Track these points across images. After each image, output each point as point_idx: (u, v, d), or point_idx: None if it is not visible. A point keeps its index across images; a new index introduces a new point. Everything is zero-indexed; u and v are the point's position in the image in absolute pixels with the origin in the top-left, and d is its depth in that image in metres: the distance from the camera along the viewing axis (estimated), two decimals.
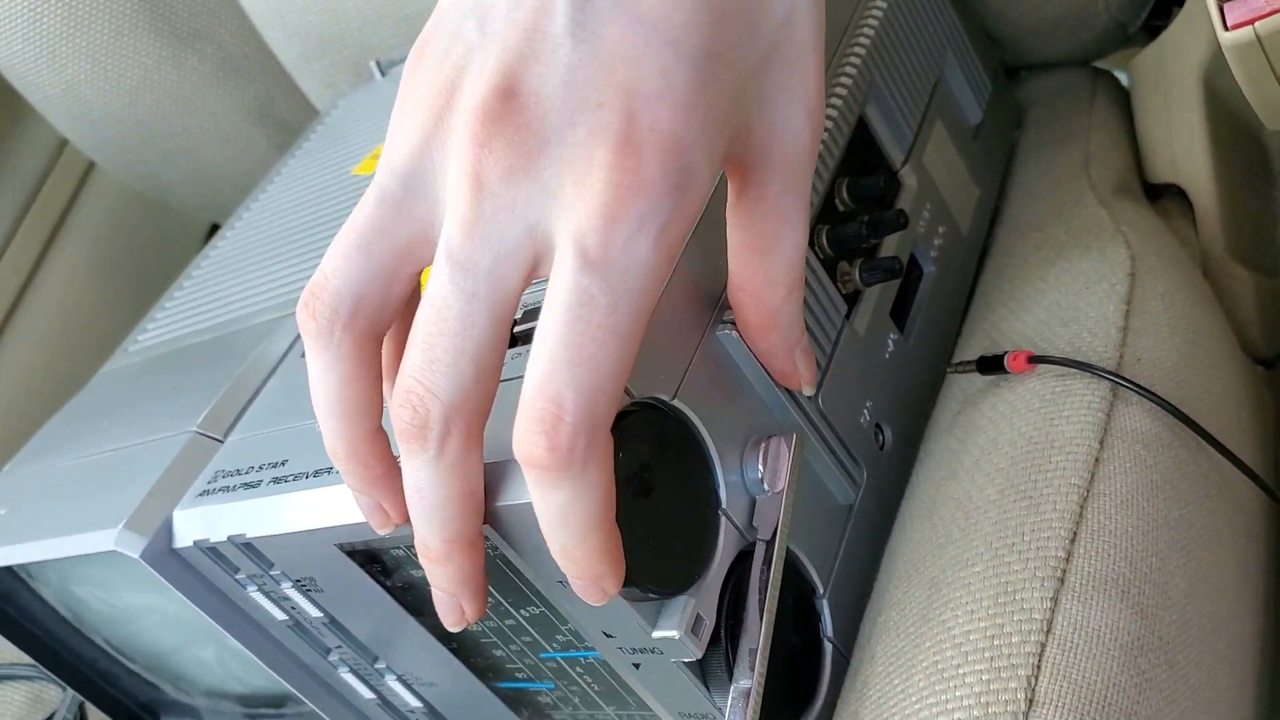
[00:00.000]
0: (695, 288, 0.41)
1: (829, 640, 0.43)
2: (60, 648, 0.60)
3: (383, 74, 0.76)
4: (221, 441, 0.49)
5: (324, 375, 0.34)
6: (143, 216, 0.95)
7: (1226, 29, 0.44)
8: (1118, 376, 0.37)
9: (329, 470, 0.41)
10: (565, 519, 0.31)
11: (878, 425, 0.48)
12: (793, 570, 0.42)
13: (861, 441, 0.46)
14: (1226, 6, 0.44)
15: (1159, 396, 0.37)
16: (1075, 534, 0.33)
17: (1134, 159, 0.56)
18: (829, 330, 0.45)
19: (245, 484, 0.44)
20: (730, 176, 0.35)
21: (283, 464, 0.44)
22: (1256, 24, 0.44)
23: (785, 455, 0.41)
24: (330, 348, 0.33)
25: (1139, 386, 0.37)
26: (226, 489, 0.45)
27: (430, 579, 0.35)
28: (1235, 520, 0.38)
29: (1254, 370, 0.52)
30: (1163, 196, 0.57)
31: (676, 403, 0.39)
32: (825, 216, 0.47)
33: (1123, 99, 0.61)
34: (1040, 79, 0.63)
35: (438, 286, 0.31)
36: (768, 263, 0.35)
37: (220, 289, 0.63)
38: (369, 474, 0.35)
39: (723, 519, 0.39)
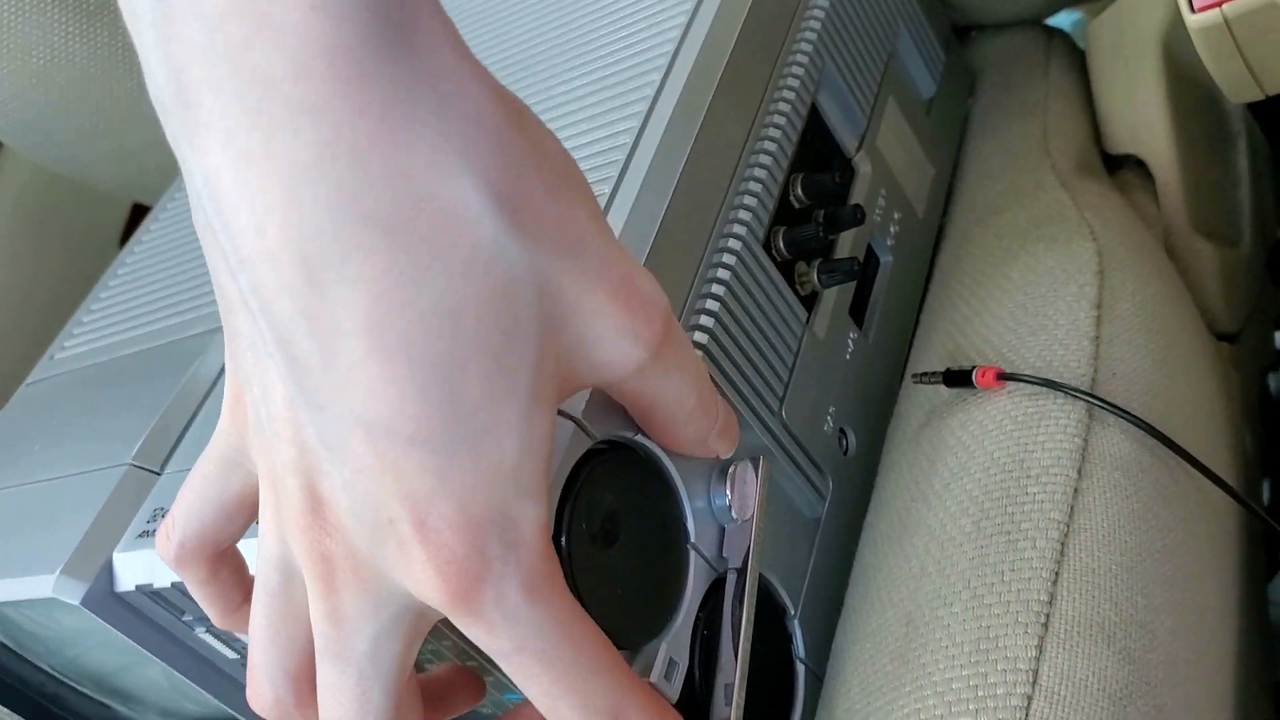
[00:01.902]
0: None
1: (801, 661, 0.42)
2: (2, 674, 0.58)
3: None
4: (159, 474, 0.46)
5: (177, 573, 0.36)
6: (60, 196, 0.91)
7: (1194, 11, 0.42)
8: (1093, 397, 0.36)
9: None
10: None
11: (841, 430, 0.46)
12: (763, 593, 0.41)
13: (826, 449, 0.45)
14: None
15: (1137, 417, 0.36)
16: (1057, 574, 0.32)
17: (1093, 129, 0.55)
18: (790, 342, 0.43)
19: None
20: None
21: None
22: (1224, 6, 0.42)
23: (753, 481, 0.39)
24: (182, 564, 0.35)
25: (1116, 407, 0.36)
26: None
27: None
28: (1215, 537, 0.38)
29: (1220, 351, 0.51)
30: (1122, 167, 0.55)
31: (640, 438, 0.37)
32: (781, 216, 0.45)
33: (1078, 62, 0.59)
34: (992, 40, 0.61)
35: (325, 678, 0.31)
36: (654, 419, 0.34)
37: (149, 290, 0.60)
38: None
39: (692, 553, 0.38)
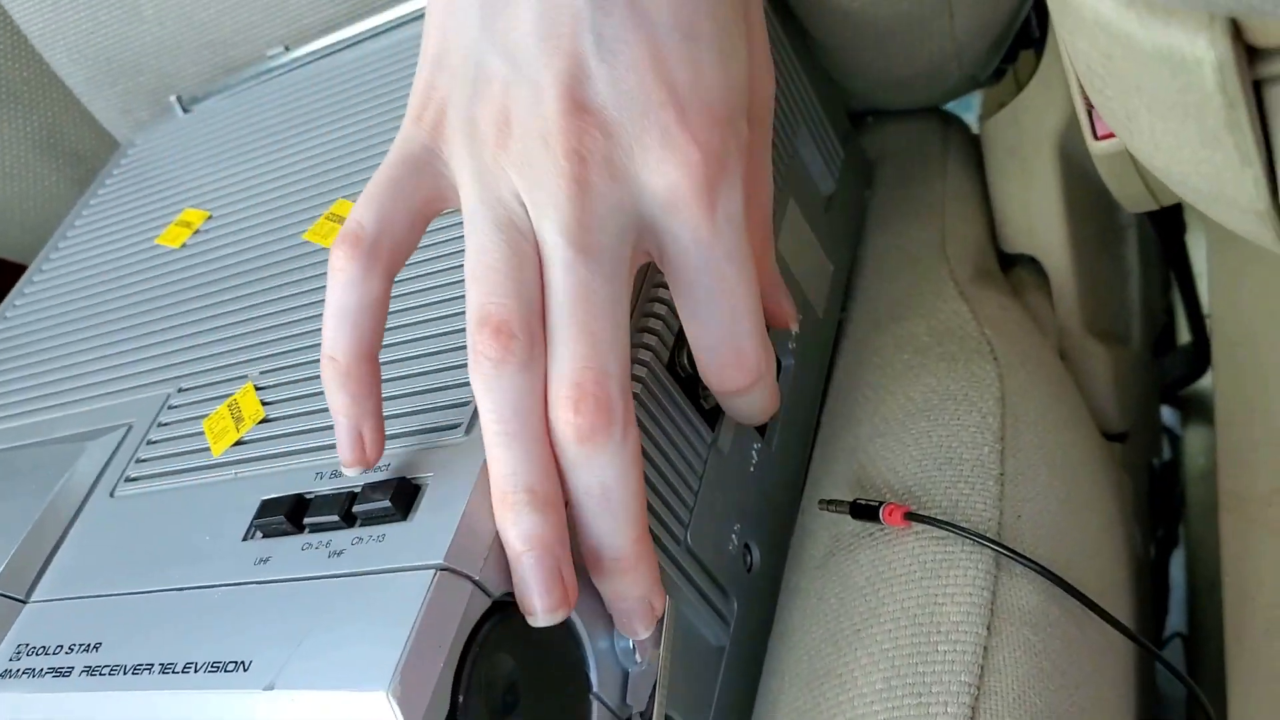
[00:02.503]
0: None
1: None
2: None
3: (185, 110, 0.69)
4: (24, 602, 0.43)
5: (348, 289, 0.36)
6: None
7: (1096, 138, 0.42)
8: (1000, 547, 0.36)
9: (149, 667, 0.37)
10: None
11: (746, 546, 0.45)
12: None
13: (731, 571, 0.44)
14: (1095, 113, 0.43)
15: (1044, 568, 0.35)
16: None
17: (989, 228, 0.55)
18: (696, 465, 0.42)
19: (54, 669, 0.39)
20: None
21: (96, 648, 0.39)
22: None
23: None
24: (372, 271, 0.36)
25: (1023, 558, 0.36)
26: (33, 672, 0.40)
27: (617, 593, 0.36)
28: (1118, 681, 0.38)
29: (1112, 454, 0.51)
30: (1017, 264, 0.55)
31: None
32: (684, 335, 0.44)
33: (975, 152, 0.59)
34: (889, 128, 0.61)
35: (572, 274, 0.33)
36: (753, 208, 0.38)
37: (16, 376, 0.56)
38: (361, 391, 0.36)
39: (595, 703, 0.37)
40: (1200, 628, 0.66)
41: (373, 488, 0.36)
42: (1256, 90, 0.23)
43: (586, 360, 0.33)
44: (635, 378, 0.40)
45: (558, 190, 0.33)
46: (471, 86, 0.35)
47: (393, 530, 0.35)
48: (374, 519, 0.36)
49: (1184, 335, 0.74)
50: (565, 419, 0.33)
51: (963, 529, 0.36)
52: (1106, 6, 0.23)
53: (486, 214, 0.34)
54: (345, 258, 0.36)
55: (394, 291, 0.44)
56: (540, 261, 0.34)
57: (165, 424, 0.46)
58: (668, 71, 0.33)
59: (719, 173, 0.33)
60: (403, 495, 0.36)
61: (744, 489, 0.45)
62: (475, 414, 0.37)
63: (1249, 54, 0.22)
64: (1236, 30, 0.21)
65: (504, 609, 0.34)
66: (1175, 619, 0.73)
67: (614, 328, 0.33)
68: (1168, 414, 0.77)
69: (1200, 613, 0.67)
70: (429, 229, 0.46)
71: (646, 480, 0.40)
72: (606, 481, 0.33)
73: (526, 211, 0.34)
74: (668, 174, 0.33)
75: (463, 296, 0.42)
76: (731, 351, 0.37)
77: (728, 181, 0.34)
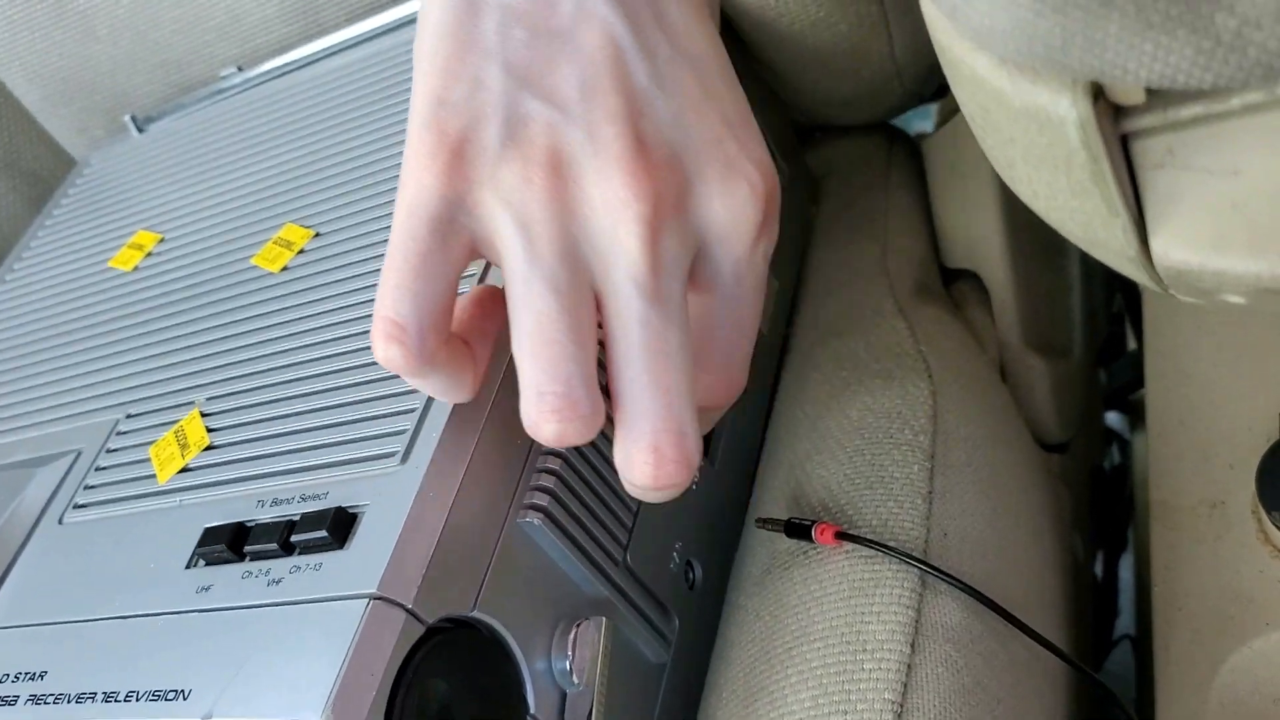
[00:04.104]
0: (492, 479, 0.38)
1: None
2: None
3: (139, 130, 0.69)
4: None
5: (417, 383, 0.36)
6: None
7: None
8: (925, 565, 0.37)
9: (92, 696, 0.38)
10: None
11: (688, 563, 0.46)
12: None
13: (672, 588, 0.45)
14: None
15: (967, 585, 0.36)
16: None
17: (931, 243, 0.56)
18: None
19: (0, 699, 0.40)
20: None
21: (41, 677, 0.40)
22: None
23: (594, 643, 0.39)
24: (431, 365, 0.35)
25: (947, 575, 0.36)
26: None
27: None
28: (1042, 693, 0.39)
29: (1049, 466, 0.52)
30: (959, 279, 0.56)
31: (476, 614, 0.36)
32: None
33: (918, 168, 0.60)
34: (835, 145, 0.62)
35: (647, 328, 0.32)
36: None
37: None
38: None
39: None
40: (1148, 629, 0.67)
41: (311, 517, 0.37)
42: (1125, 144, 0.23)
43: (664, 423, 0.32)
44: None
45: (630, 235, 0.31)
46: (502, 129, 0.32)
47: (329, 559, 0.36)
48: (312, 548, 0.37)
49: (1132, 343, 0.75)
50: (642, 482, 0.34)
51: (890, 548, 0.37)
52: (980, 65, 0.24)
53: (540, 275, 0.32)
54: (389, 356, 0.33)
55: (330, 317, 0.44)
56: (598, 308, 0.33)
57: (114, 450, 0.47)
58: (721, 107, 0.33)
59: (774, 206, 0.34)
60: (339, 525, 0.36)
61: (686, 507, 0.46)
62: (411, 442, 0.38)
63: (1115, 110, 0.23)
64: (1099, 90, 0.22)
65: (438, 635, 0.35)
66: (1126, 621, 0.74)
67: (685, 376, 0.33)
68: (1116, 419, 0.78)
69: (1148, 615, 0.68)
70: (362, 229, 0.47)
71: (582, 503, 0.40)
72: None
73: (584, 262, 0.32)
74: (731, 206, 0.33)
75: None
76: (736, 369, 0.38)
77: (773, 220, 0.34)
